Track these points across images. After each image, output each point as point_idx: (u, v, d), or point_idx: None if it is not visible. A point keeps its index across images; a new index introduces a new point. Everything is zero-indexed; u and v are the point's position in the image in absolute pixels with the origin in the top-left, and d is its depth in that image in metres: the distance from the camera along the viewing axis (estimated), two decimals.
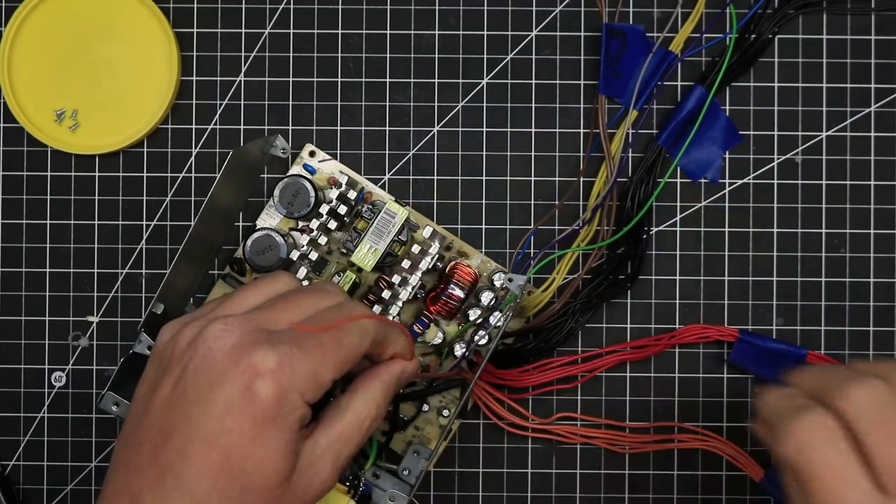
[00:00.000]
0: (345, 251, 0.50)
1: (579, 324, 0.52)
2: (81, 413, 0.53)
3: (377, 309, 0.51)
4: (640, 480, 0.53)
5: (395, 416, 0.51)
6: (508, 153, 0.53)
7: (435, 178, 0.53)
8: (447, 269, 0.51)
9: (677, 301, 0.53)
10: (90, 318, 0.53)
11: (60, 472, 0.53)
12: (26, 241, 0.53)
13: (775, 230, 0.53)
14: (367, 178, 0.53)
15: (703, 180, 0.53)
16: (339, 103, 0.53)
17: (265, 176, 0.53)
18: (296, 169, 0.52)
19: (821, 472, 0.35)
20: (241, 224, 0.53)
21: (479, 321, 0.50)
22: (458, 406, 0.48)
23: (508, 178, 0.53)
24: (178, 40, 0.52)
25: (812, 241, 0.53)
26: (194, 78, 0.53)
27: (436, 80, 0.53)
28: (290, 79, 0.53)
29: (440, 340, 0.51)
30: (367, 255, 0.49)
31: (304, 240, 0.51)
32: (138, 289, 0.53)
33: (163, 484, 0.37)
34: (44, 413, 0.53)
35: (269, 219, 0.52)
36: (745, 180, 0.53)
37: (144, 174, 0.53)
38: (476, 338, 0.50)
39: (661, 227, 0.53)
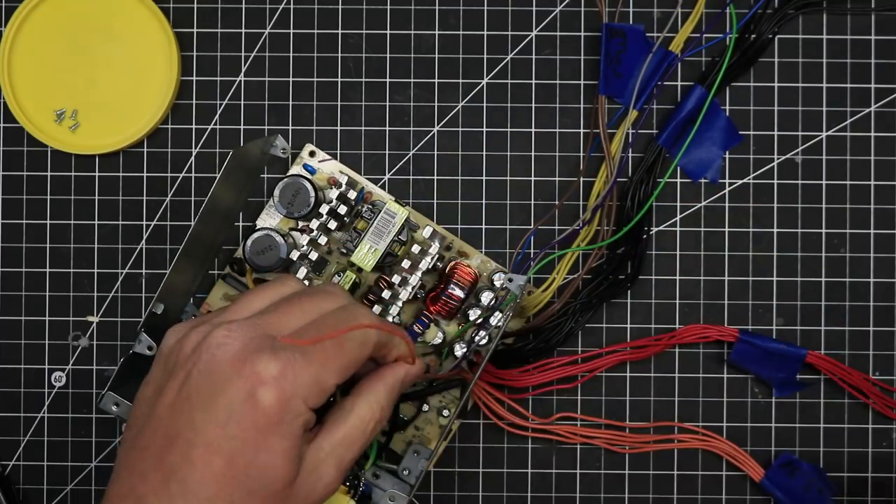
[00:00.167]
0: (345, 251, 0.50)
1: (579, 324, 0.52)
2: (81, 413, 0.53)
3: (377, 309, 0.51)
4: (640, 480, 0.53)
5: (395, 416, 0.51)
6: (508, 153, 0.53)
7: (435, 178, 0.53)
8: (447, 269, 0.51)
9: (677, 301, 0.53)
10: (90, 318, 0.53)
11: (60, 472, 0.53)
12: (26, 241, 0.53)
13: (775, 230, 0.53)
14: (367, 178, 0.53)
15: (703, 180, 0.53)
16: (339, 103, 0.53)
17: (265, 176, 0.53)
18: (296, 169, 0.52)
19: None
20: (241, 224, 0.53)
21: (479, 321, 0.50)
22: (458, 406, 0.48)
23: (508, 178, 0.53)
24: (178, 40, 0.52)
25: (812, 241, 0.53)
26: (194, 78, 0.53)
27: (436, 80, 0.53)
28: (290, 79, 0.53)
29: (440, 340, 0.51)
30: (367, 255, 0.49)
31: (304, 240, 0.51)
32: (138, 289, 0.53)
33: (167, 489, 0.37)
34: (44, 413, 0.53)
35: (269, 219, 0.52)
36: (745, 180, 0.53)
37: (144, 174, 0.53)
38: (476, 338, 0.50)
39: (661, 227, 0.53)
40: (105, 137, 0.52)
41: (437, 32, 0.53)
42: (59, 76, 0.52)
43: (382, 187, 0.53)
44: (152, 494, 0.37)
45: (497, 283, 0.51)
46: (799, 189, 0.53)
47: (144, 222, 0.53)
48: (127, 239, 0.53)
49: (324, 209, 0.50)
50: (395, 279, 0.50)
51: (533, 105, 0.53)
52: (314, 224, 0.50)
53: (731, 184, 0.53)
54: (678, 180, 0.53)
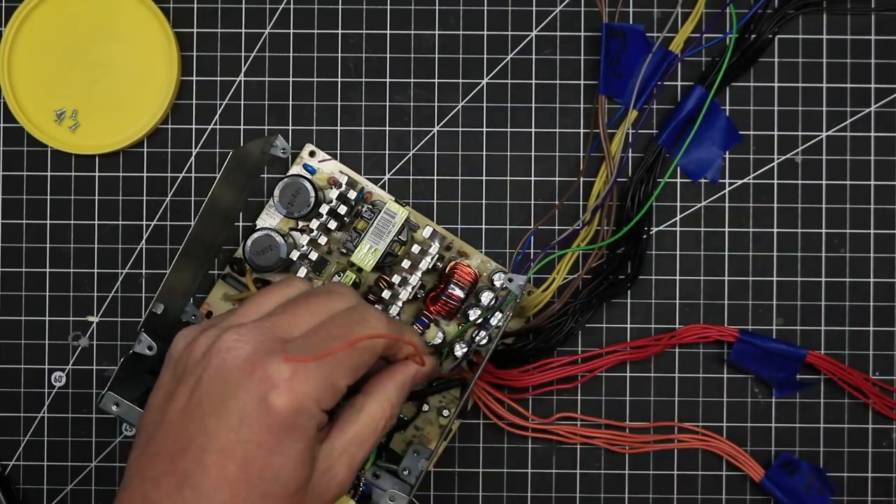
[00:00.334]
0: (345, 251, 0.50)
1: (579, 324, 0.52)
2: (81, 413, 0.53)
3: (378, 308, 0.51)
4: (640, 480, 0.53)
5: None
6: (508, 153, 0.53)
7: (435, 178, 0.53)
8: (447, 269, 0.51)
9: (677, 301, 0.53)
10: (90, 318, 0.53)
11: (60, 472, 0.53)
12: (26, 241, 0.53)
13: (775, 230, 0.53)
14: (367, 178, 0.53)
15: (703, 180, 0.53)
16: (339, 103, 0.53)
17: (265, 176, 0.53)
18: (296, 169, 0.52)
19: None
20: (241, 224, 0.53)
21: (479, 321, 0.50)
22: (458, 406, 0.48)
23: (508, 178, 0.53)
24: (178, 40, 0.52)
25: (812, 241, 0.53)
26: (194, 78, 0.53)
27: (436, 80, 0.53)
28: (290, 79, 0.53)
29: (440, 340, 0.51)
30: (367, 255, 0.49)
31: (304, 240, 0.51)
32: (138, 289, 0.53)
33: (181, 494, 0.37)
34: (44, 413, 0.53)
35: (269, 219, 0.52)
36: (745, 180, 0.53)
37: (144, 174, 0.53)
38: (476, 338, 0.50)
39: (661, 227, 0.53)
40: (105, 137, 0.52)
41: (437, 32, 0.53)
42: (59, 76, 0.52)
43: (382, 187, 0.53)
44: (166, 499, 0.37)
45: (497, 283, 0.51)
46: (799, 189, 0.53)
47: (144, 222, 0.53)
48: (127, 239, 0.53)
49: (324, 209, 0.50)
50: (395, 279, 0.50)
51: (533, 105, 0.53)
52: (314, 224, 0.50)
53: (731, 184, 0.53)
54: (678, 180, 0.53)
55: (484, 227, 0.53)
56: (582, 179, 0.53)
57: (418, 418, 0.52)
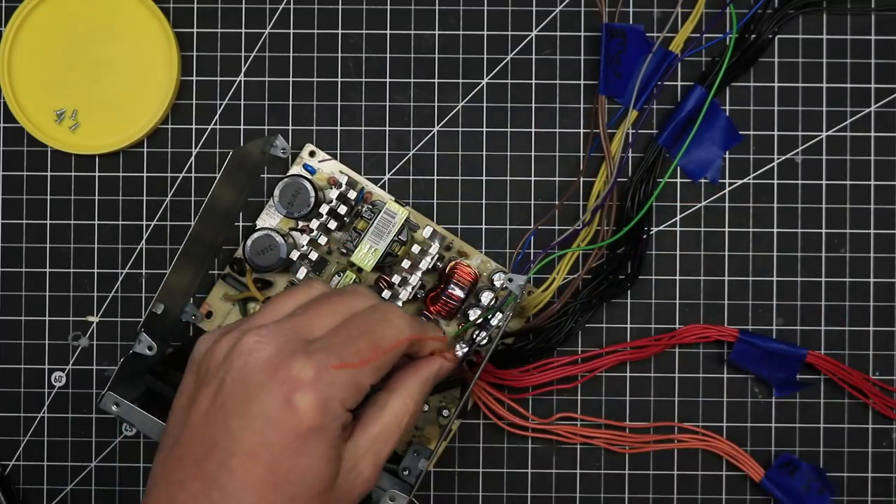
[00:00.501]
0: (345, 251, 0.50)
1: (579, 324, 0.52)
2: (81, 413, 0.53)
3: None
4: (640, 480, 0.53)
5: None
6: (508, 153, 0.53)
7: (435, 178, 0.53)
8: (447, 269, 0.51)
9: (677, 301, 0.53)
10: (90, 318, 0.53)
11: (60, 472, 0.53)
12: (26, 241, 0.53)
13: (775, 230, 0.53)
14: (367, 178, 0.53)
15: (703, 180, 0.53)
16: (339, 103, 0.53)
17: (265, 176, 0.53)
18: (296, 169, 0.52)
19: None
20: (241, 224, 0.53)
21: (479, 321, 0.50)
22: (458, 406, 0.48)
23: (508, 178, 0.53)
24: (178, 40, 0.52)
25: (812, 241, 0.53)
26: (194, 78, 0.53)
27: (436, 80, 0.53)
28: (290, 79, 0.53)
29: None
30: (367, 255, 0.49)
31: (304, 240, 0.51)
32: (138, 289, 0.53)
33: (208, 497, 0.36)
34: (44, 413, 0.53)
35: (269, 219, 0.52)
36: (745, 180, 0.53)
37: (144, 174, 0.53)
38: (476, 338, 0.50)
39: (661, 227, 0.53)
40: (105, 137, 0.52)
41: (437, 32, 0.53)
42: (59, 76, 0.52)
43: (382, 187, 0.53)
44: (192, 502, 0.36)
45: (497, 283, 0.51)
46: (799, 189, 0.53)
47: (144, 222, 0.53)
48: (127, 239, 0.53)
49: (324, 209, 0.50)
50: (395, 279, 0.50)
51: (533, 105, 0.53)
52: (314, 224, 0.50)
53: (731, 184, 0.53)
54: (678, 180, 0.53)
55: (484, 227, 0.53)
56: (582, 179, 0.53)
57: (418, 418, 0.52)
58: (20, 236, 0.53)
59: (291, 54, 0.53)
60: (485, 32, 0.53)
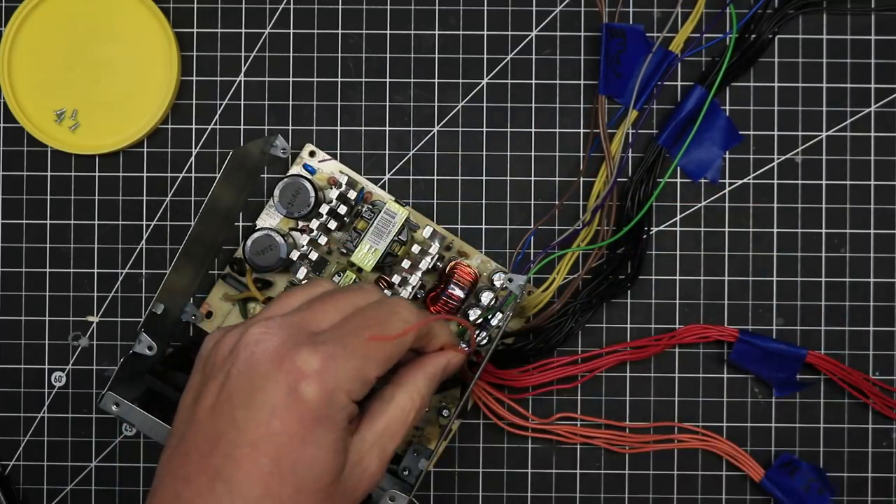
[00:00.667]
0: (345, 251, 0.50)
1: (579, 324, 0.52)
2: (81, 413, 0.53)
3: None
4: (640, 480, 0.53)
5: None
6: (508, 153, 0.53)
7: (435, 178, 0.53)
8: (447, 269, 0.51)
9: (677, 301, 0.53)
10: (90, 318, 0.53)
11: (60, 472, 0.53)
12: (26, 241, 0.53)
13: (775, 230, 0.53)
14: (367, 178, 0.53)
15: (703, 180, 0.53)
16: (339, 103, 0.53)
17: (265, 176, 0.53)
18: (296, 169, 0.52)
19: None
20: (241, 224, 0.53)
21: (479, 321, 0.50)
22: (458, 406, 0.48)
23: (508, 178, 0.53)
24: (178, 40, 0.52)
25: (812, 241, 0.53)
26: (194, 78, 0.53)
27: (436, 80, 0.53)
28: (290, 79, 0.53)
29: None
30: (367, 255, 0.49)
31: (304, 240, 0.51)
32: (138, 289, 0.53)
33: (213, 491, 0.36)
34: (44, 413, 0.53)
35: (269, 219, 0.52)
36: (745, 180, 0.53)
37: (144, 174, 0.53)
38: (476, 338, 0.50)
39: (661, 227, 0.53)
40: (105, 137, 0.52)
41: (437, 32, 0.53)
42: (59, 76, 0.52)
43: (382, 187, 0.53)
44: (198, 497, 0.36)
45: (497, 283, 0.51)
46: (799, 189, 0.53)
47: (144, 222, 0.53)
48: (127, 239, 0.53)
49: (324, 209, 0.50)
50: (395, 279, 0.50)
51: (533, 105, 0.53)
52: (314, 224, 0.50)
53: (731, 184, 0.53)
54: (678, 180, 0.53)
55: (484, 227, 0.53)
56: (582, 179, 0.53)
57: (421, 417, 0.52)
58: (20, 236, 0.53)
59: (291, 54, 0.53)
60: (485, 32, 0.53)
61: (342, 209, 0.50)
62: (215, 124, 0.53)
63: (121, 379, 0.46)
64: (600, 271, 0.52)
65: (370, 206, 0.50)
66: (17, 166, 0.53)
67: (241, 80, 0.53)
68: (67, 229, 0.53)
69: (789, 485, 0.52)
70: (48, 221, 0.53)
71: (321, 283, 0.43)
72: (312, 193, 0.50)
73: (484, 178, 0.53)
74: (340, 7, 0.53)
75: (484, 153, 0.53)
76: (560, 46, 0.53)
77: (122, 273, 0.53)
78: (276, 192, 0.50)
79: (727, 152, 0.53)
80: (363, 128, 0.53)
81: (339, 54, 0.53)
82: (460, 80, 0.53)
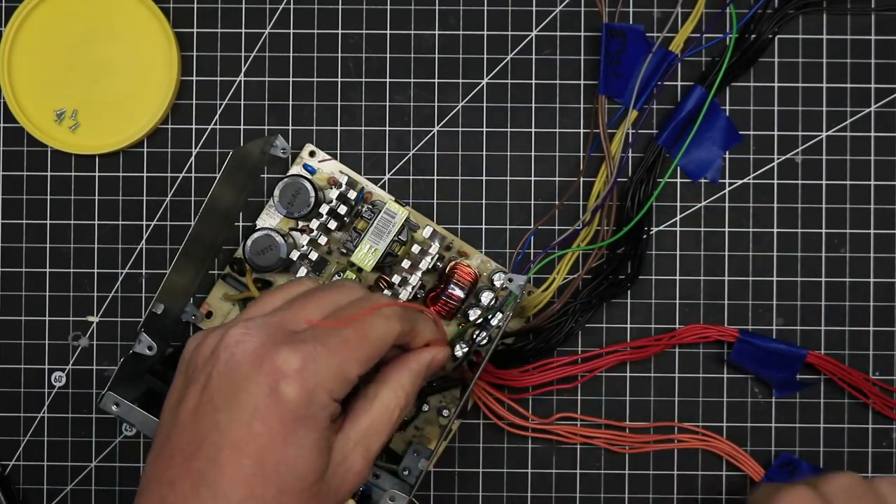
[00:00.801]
0: (345, 251, 0.50)
1: (579, 324, 0.52)
2: (81, 413, 0.53)
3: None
4: (640, 480, 0.53)
5: None
6: (508, 153, 0.53)
7: (435, 178, 0.53)
8: (447, 269, 0.51)
9: (677, 301, 0.53)
10: (90, 318, 0.53)
11: (60, 472, 0.53)
12: (26, 241, 0.53)
13: (775, 230, 0.53)
14: (367, 178, 0.53)
15: (703, 180, 0.53)
16: (339, 103, 0.53)
17: (265, 176, 0.53)
18: (296, 169, 0.52)
19: None
20: (241, 224, 0.53)
21: (479, 321, 0.50)
22: (458, 406, 0.48)
23: (508, 178, 0.53)
24: (178, 40, 0.52)
25: (812, 241, 0.53)
26: (194, 78, 0.53)
27: (436, 80, 0.53)
28: (290, 79, 0.53)
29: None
30: (367, 255, 0.49)
31: (304, 240, 0.51)
32: (138, 289, 0.53)
33: (197, 495, 0.36)
34: (44, 413, 0.53)
35: (269, 219, 0.52)
36: (745, 180, 0.53)
37: (144, 174, 0.53)
38: (476, 338, 0.50)
39: (661, 227, 0.53)
40: (105, 137, 0.52)
41: (437, 32, 0.53)
42: (59, 76, 0.52)
43: (382, 187, 0.53)
44: (182, 502, 0.36)
45: (497, 283, 0.51)
46: (799, 189, 0.53)
47: (144, 222, 0.53)
48: (127, 239, 0.53)
49: (324, 209, 0.50)
50: (395, 279, 0.50)
51: (533, 105, 0.53)
52: (314, 224, 0.51)
53: (731, 184, 0.53)
54: (678, 180, 0.53)
55: (484, 227, 0.53)
56: (582, 179, 0.53)
57: (418, 418, 0.52)
58: (20, 236, 0.53)
59: (291, 54, 0.53)
60: (485, 32, 0.53)
61: (342, 209, 0.50)
62: (215, 124, 0.53)
63: (121, 379, 0.46)
64: (600, 271, 0.52)
65: (370, 206, 0.50)
66: (17, 166, 0.53)
67: (241, 80, 0.53)
68: (67, 229, 0.53)
69: None
70: (48, 221, 0.53)
71: (303, 282, 0.43)
72: (312, 193, 0.50)
73: (484, 178, 0.53)
74: (340, 7, 0.53)
75: (484, 153, 0.53)
76: (560, 46, 0.53)
77: (122, 273, 0.53)
78: (276, 192, 0.50)
79: (727, 152, 0.53)
80: (363, 128, 0.53)
81: (339, 54, 0.53)
82: (460, 80, 0.53)
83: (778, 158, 0.53)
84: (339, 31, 0.53)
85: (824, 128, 0.53)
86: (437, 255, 0.51)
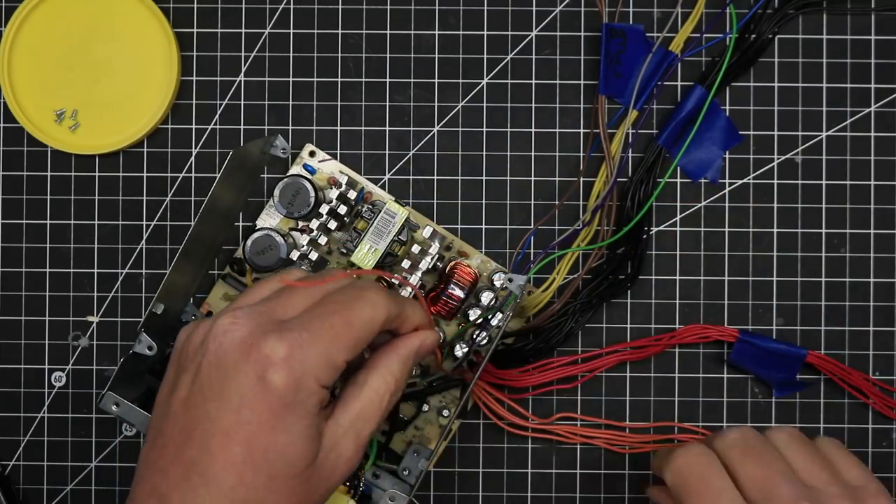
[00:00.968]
0: (345, 251, 0.50)
1: (579, 324, 0.52)
2: (81, 413, 0.53)
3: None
4: (640, 480, 0.53)
5: (394, 416, 0.51)
6: (508, 153, 0.53)
7: (435, 178, 0.53)
8: (447, 269, 0.51)
9: (677, 301, 0.53)
10: (90, 318, 0.53)
11: (60, 472, 0.53)
12: (26, 241, 0.53)
13: (775, 230, 0.53)
14: (367, 178, 0.53)
15: (703, 180, 0.53)
16: (339, 103, 0.53)
17: (265, 176, 0.53)
18: (296, 169, 0.52)
19: (696, 485, 0.42)
20: (241, 224, 0.53)
21: (479, 321, 0.50)
22: (458, 406, 0.48)
23: (508, 178, 0.53)
24: (178, 40, 0.53)
25: (812, 241, 0.53)
26: (194, 78, 0.53)
27: (436, 80, 0.53)
28: (290, 79, 0.53)
29: (440, 340, 0.51)
30: (367, 255, 0.49)
31: (304, 240, 0.51)
32: (138, 289, 0.53)
33: (189, 482, 0.37)
34: (44, 413, 0.53)
35: (269, 219, 0.52)
36: (745, 180, 0.53)
37: (144, 174, 0.53)
38: (476, 338, 0.50)
39: (661, 227, 0.53)
40: (105, 137, 0.52)
41: (437, 32, 0.53)
42: (59, 76, 0.52)
43: (382, 187, 0.53)
44: (175, 489, 0.37)
45: (497, 283, 0.51)
46: (799, 189, 0.53)
47: (144, 222, 0.53)
48: (127, 239, 0.53)
49: (324, 209, 0.50)
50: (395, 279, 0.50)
51: (533, 105, 0.53)
52: (314, 224, 0.51)
53: (731, 184, 0.53)
54: (678, 180, 0.53)
55: (484, 227, 0.53)
56: (582, 179, 0.53)
57: (418, 418, 0.52)
58: (20, 236, 0.53)
59: (291, 54, 0.53)
60: (485, 32, 0.53)
61: (342, 209, 0.50)
62: (215, 124, 0.53)
63: (121, 379, 0.46)
64: (600, 271, 0.52)
65: (370, 206, 0.50)
66: (17, 166, 0.53)
67: (241, 80, 0.53)
68: (67, 229, 0.53)
69: None
70: (48, 221, 0.53)
71: (291, 272, 0.43)
72: (312, 193, 0.50)
73: (484, 178, 0.53)
74: (340, 7, 0.53)
75: (484, 153, 0.53)
76: (560, 46, 0.53)
77: (122, 273, 0.53)
78: (276, 192, 0.50)
79: (727, 152, 0.53)
80: (363, 128, 0.53)
81: (339, 54, 0.53)
82: (460, 80, 0.53)
83: (778, 158, 0.53)
84: (339, 31, 0.53)
85: (824, 128, 0.53)
86: (437, 255, 0.51)
